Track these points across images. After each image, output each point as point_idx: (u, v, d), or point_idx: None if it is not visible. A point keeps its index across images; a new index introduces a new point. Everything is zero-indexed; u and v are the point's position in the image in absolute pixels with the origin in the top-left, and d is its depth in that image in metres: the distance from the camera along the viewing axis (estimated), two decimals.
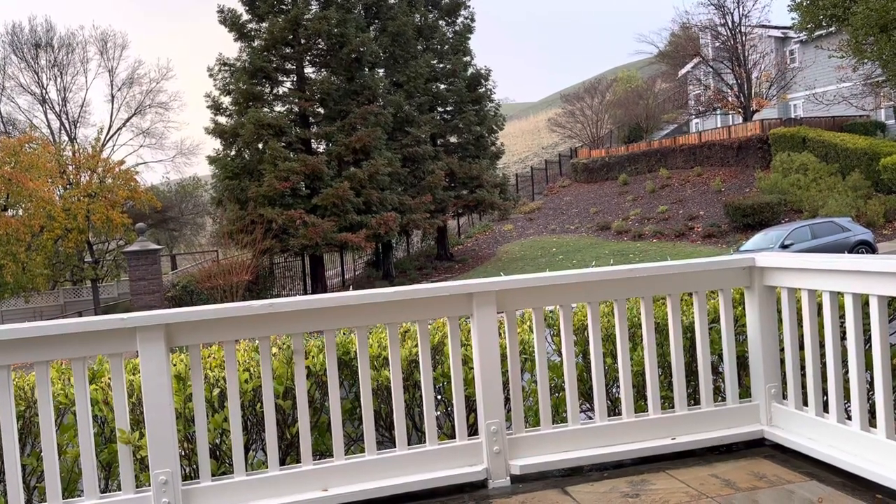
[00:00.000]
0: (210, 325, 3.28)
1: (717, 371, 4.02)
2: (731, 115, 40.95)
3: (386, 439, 3.78)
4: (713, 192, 31.86)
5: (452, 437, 3.63)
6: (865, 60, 10.44)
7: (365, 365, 3.43)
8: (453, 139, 36.07)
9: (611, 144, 48.06)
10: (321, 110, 30.71)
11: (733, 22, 37.57)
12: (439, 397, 3.87)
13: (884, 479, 3.03)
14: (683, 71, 48.29)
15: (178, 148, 47.09)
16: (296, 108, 30.33)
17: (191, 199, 47.00)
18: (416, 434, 3.83)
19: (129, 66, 71.65)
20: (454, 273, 32.36)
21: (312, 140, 30.75)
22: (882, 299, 3.07)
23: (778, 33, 39.55)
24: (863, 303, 3.26)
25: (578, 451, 3.62)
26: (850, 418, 3.29)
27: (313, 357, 3.69)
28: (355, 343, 3.58)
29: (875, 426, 3.15)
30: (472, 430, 3.65)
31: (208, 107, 30.14)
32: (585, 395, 3.87)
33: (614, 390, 4.00)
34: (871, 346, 3.18)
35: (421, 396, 3.57)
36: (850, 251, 19.77)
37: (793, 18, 12.38)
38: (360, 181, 28.69)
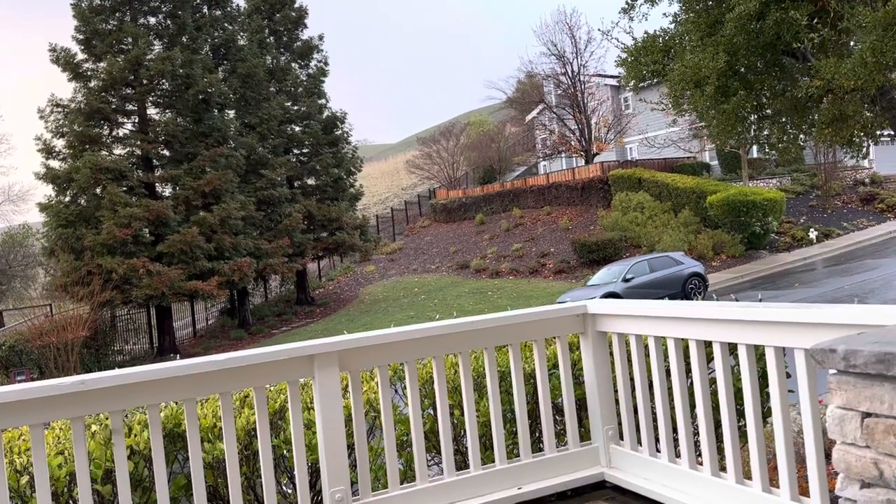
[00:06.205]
0: (11, 409, 2.91)
1: (562, 414, 4.11)
2: (574, 158, 43.58)
3: None
4: (562, 229, 33.55)
5: None
6: (684, 113, 11.56)
7: (195, 440, 3.18)
8: (311, 182, 35.66)
9: (467, 185, 49.52)
10: (166, 153, 29.21)
11: (573, 71, 40.27)
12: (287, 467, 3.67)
13: None
14: (530, 116, 51.01)
15: (6, 195, 42.92)
16: (138, 151, 28.58)
17: (20, 249, 42.86)
18: None
19: None
20: (315, 317, 31.63)
21: (157, 184, 29.08)
22: (699, 343, 3.28)
23: (613, 82, 42.77)
24: (684, 346, 3.46)
25: None
26: (679, 456, 3.45)
27: (136, 435, 3.38)
28: None
29: (701, 464, 3.32)
30: (319, 499, 3.47)
31: (39, 150, 27.72)
32: (437, 447, 3.82)
33: (465, 441, 3.98)
34: (693, 387, 3.37)
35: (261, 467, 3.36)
36: (685, 282, 21.41)
37: (619, 73, 13.51)
38: (210, 226, 27.47)
